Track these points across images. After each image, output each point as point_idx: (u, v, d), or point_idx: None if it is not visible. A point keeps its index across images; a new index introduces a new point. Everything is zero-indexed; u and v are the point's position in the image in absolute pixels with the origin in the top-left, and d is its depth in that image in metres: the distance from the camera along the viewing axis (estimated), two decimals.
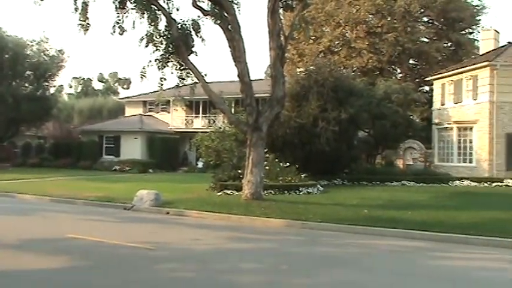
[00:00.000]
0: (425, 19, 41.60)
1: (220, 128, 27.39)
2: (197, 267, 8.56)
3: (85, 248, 10.14)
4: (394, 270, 8.71)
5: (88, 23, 17.82)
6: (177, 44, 18.51)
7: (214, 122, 32.33)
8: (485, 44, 33.13)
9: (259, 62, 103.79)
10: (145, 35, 18.49)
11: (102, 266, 8.64)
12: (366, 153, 32.32)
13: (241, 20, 23.69)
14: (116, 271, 8.26)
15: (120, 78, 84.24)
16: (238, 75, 18.45)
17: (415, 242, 11.36)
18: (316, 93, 26.20)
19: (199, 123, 40.52)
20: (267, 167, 20.99)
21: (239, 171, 20.96)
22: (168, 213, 15.86)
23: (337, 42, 41.39)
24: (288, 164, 22.96)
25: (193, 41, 19.18)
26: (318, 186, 22.47)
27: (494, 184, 25.62)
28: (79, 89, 79.80)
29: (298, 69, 35.62)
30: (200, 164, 36.88)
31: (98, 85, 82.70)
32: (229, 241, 11.44)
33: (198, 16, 19.22)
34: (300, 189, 21.06)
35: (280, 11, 20.24)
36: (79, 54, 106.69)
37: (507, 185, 25.27)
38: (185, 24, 19.11)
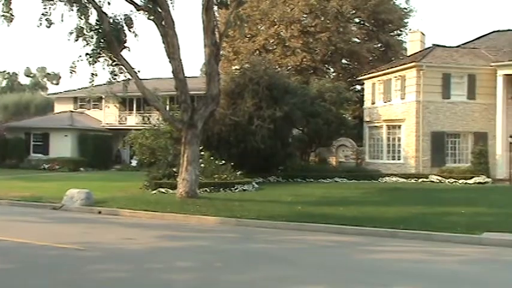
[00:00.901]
0: (357, 20, 42.78)
1: (154, 125, 26.94)
2: (130, 267, 8.37)
3: (8, 250, 9.65)
4: (326, 264, 8.90)
5: (12, 14, 16.97)
6: (109, 38, 17.98)
7: (148, 119, 31.64)
8: (412, 46, 34.61)
9: (194, 59, 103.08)
10: (75, 28, 17.81)
11: (27, 268, 8.24)
12: (300, 151, 32.86)
13: (176, 16, 23.57)
14: (43, 273, 7.91)
15: (49, 73, 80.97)
16: (173, 72, 18.23)
17: (346, 237, 11.66)
18: (251, 91, 26.36)
19: (133, 120, 39.65)
20: (202, 165, 20.90)
21: (174, 169, 20.74)
22: (100, 212, 15.42)
23: (272, 40, 41.76)
24: (223, 161, 22.96)
25: (125, 36, 18.69)
26: (253, 183, 22.63)
27: (420, 180, 26.82)
28: (4, 83, 75.93)
29: (233, 67, 35.70)
30: (134, 162, 36.19)
31: (24, 80, 79.15)
32: (163, 240, 11.27)
33: (131, 11, 18.76)
34: (235, 187, 21.14)
35: (215, 8, 20.14)
36: (3, 47, 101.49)
37: (432, 181, 26.53)
38: (117, 19, 18.58)
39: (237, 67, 31.80)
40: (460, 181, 26.08)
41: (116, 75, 19.03)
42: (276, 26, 40.14)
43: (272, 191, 21.13)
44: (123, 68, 18.63)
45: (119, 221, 14.16)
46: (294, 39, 39.31)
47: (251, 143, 25.24)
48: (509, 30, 33.62)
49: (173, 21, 18.01)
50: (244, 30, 26.00)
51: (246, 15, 30.48)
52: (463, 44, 33.12)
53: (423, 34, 35.23)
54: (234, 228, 12.92)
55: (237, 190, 20.96)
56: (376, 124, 31.15)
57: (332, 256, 9.79)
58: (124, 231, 12.43)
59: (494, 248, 10.31)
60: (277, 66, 34.62)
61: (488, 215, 14.11)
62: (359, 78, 35.10)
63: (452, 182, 26.11)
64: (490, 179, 26.46)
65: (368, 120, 32.08)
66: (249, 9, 38.47)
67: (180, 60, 18.15)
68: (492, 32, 33.96)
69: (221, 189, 20.54)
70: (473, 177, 26.15)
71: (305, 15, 40.44)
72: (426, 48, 32.69)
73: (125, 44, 18.74)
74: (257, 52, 40.08)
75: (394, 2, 42.28)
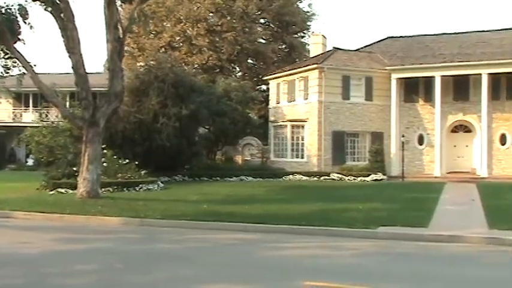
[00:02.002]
0: (262, 21, 43.53)
1: (53, 122, 25.64)
2: (25, 272, 7.90)
3: None
4: (229, 262, 8.97)
5: None
6: (1, 29, 16.84)
7: (46, 116, 30.08)
8: (314, 48, 35.79)
9: (97, 54, 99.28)
10: None
11: None
12: (207, 150, 32.85)
13: (77, 9, 22.44)
14: None
15: None
16: (73, 67, 17.51)
17: (251, 234, 11.83)
18: (157, 88, 25.95)
19: (29, 117, 37.40)
20: (104, 164, 20.27)
21: (74, 168, 19.91)
22: None
23: (178, 38, 41.35)
24: (127, 160, 22.42)
25: (19, 28, 17.63)
26: (159, 182, 22.31)
27: (322, 178, 27.86)
28: None
29: (138, 64, 34.91)
30: (30, 162, 34.27)
31: None
32: (61, 242, 10.75)
33: (26, 1, 17.71)
34: (140, 186, 20.72)
35: (118, 2, 19.57)
36: None
37: (333, 179, 27.66)
38: (10, 9, 17.47)
39: (142, 64, 31.15)
40: (359, 178, 27.42)
41: (8, 68, 17.96)
42: (182, 24, 39.80)
43: (178, 190, 20.93)
44: (17, 61, 17.56)
45: (13, 224, 13.33)
46: (200, 38, 39.20)
47: (156, 141, 24.84)
48: (401, 36, 35.86)
49: (73, 14, 17.27)
50: (149, 26, 25.57)
51: (151, 12, 29.95)
52: (360, 48, 34.82)
53: (325, 37, 36.56)
54: (137, 229, 12.63)
55: (141, 189, 20.54)
56: (280, 123, 31.88)
57: (236, 254, 9.88)
58: (18, 234, 11.71)
59: (387, 242, 10.94)
60: (183, 64, 34.33)
61: (383, 210, 14.94)
62: (264, 78, 35.76)
63: (352, 180, 27.38)
64: (385, 176, 28.07)
65: (273, 119, 32.76)
66: (154, 5, 37.78)
67: (81, 55, 17.46)
68: (387, 38, 36.04)
69: (125, 188, 20.02)
70: (371, 174, 27.60)
71: (211, 14, 40.48)
72: (327, 51, 33.97)
73: (19, 36, 17.67)
74: (163, 49, 39.52)
75: (298, 5, 43.53)
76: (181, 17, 39.74)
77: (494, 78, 28.79)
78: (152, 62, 28.39)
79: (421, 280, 7.76)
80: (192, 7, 39.49)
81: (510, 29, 33.55)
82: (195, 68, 37.98)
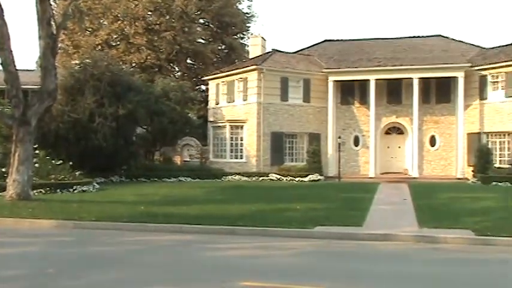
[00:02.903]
0: (201, 21, 43.34)
1: None
2: None
3: None
4: (165, 264, 8.84)
5: None
6: None
7: None
8: (254, 49, 36.10)
9: (30, 51, 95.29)
10: None
11: None
12: (145, 150, 32.32)
13: (7, 3, 21.39)
14: None
15: None
16: (2, 64, 16.77)
17: (188, 235, 11.73)
18: (93, 87, 25.29)
19: None
20: (36, 165, 19.52)
21: (3, 169, 19.03)
22: None
23: (115, 36, 40.41)
24: (61, 161, 21.70)
25: None
26: (94, 183, 21.73)
27: (261, 178, 28.07)
28: None
29: (73, 62, 33.83)
30: None
31: None
32: None
33: None
34: (74, 188, 20.12)
35: None
36: None
37: (271, 179, 27.93)
38: None
39: (77, 62, 30.18)
40: (297, 179, 27.83)
41: None
42: (119, 22, 38.94)
43: (114, 191, 20.46)
44: None
45: None
46: (138, 36, 38.50)
47: (92, 141, 24.19)
48: (338, 40, 36.78)
49: (2, 9, 16.49)
50: (85, 23, 24.82)
51: (86, 8, 29.18)
52: (298, 51, 35.40)
53: (264, 39, 36.94)
54: (71, 232, 12.23)
55: (75, 191, 19.92)
56: (220, 124, 31.86)
57: (172, 255, 9.76)
58: None
59: (324, 241, 11.16)
60: (120, 63, 33.60)
61: (320, 210, 15.23)
62: (204, 78, 35.61)
63: (290, 180, 27.76)
64: (322, 177, 28.66)
65: (212, 120, 32.68)
66: (90, 1, 36.83)
67: (11, 51, 16.73)
68: (324, 41, 36.85)
69: (58, 190, 19.35)
70: (308, 174, 28.09)
71: (150, 13, 39.88)
72: (266, 53, 34.32)
73: None
74: (99, 47, 38.50)
75: (237, 7, 43.68)
76: (119, 15, 38.89)
77: (425, 82, 30.12)
78: (88, 60, 27.58)
79: (356, 278, 7.98)
80: (130, 5, 38.73)
81: (439, 35, 35.26)
82: (133, 67, 37.31)
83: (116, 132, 25.18)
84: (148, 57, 38.70)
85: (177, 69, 43.67)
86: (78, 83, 25.79)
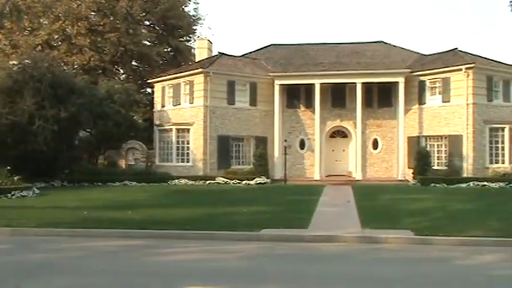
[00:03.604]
0: (147, 23, 42.75)
1: None
2: None
3: None
4: (110, 270, 8.68)
5: None
6: None
7: None
8: (200, 52, 35.97)
9: None
10: None
11: None
12: (88, 154, 31.54)
13: None
14: None
15: None
16: None
17: (134, 240, 11.54)
18: (32, 89, 24.47)
19: None
20: None
21: None
22: None
23: (56, 36, 39.19)
24: None
25: None
26: (34, 189, 21.02)
27: (208, 182, 27.93)
28: None
29: (11, 62, 32.53)
30: None
31: None
32: None
33: None
34: (12, 193, 19.41)
35: None
36: None
37: (218, 183, 27.87)
38: None
39: (15, 62, 29.04)
40: (244, 182, 27.90)
41: None
42: (61, 22, 37.79)
43: (56, 197, 19.84)
44: None
45: None
46: (80, 37, 37.49)
47: (32, 145, 23.39)
48: (284, 44, 37.22)
49: None
50: (23, 22, 23.93)
51: (25, 6, 28.14)
52: (245, 54, 35.58)
53: (210, 42, 36.88)
54: (9, 239, 11.77)
55: (14, 196, 19.20)
56: (166, 127, 31.50)
57: (118, 261, 9.58)
58: None
59: (270, 243, 11.28)
60: (62, 64, 32.64)
61: (266, 212, 15.37)
62: (149, 81, 35.10)
63: (237, 183, 27.79)
64: (269, 180, 28.86)
65: (158, 123, 32.27)
66: (30, 0, 35.55)
67: None
68: (270, 45, 37.21)
69: None
70: (255, 178, 28.22)
71: (93, 13, 38.96)
72: (213, 56, 34.27)
73: None
74: (39, 47, 37.24)
75: (184, 9, 43.40)
76: (60, 15, 37.74)
77: (368, 87, 30.98)
78: (27, 61, 26.63)
79: (300, 279, 8.11)
80: (72, 5, 37.70)
81: (381, 41, 36.37)
82: (75, 69, 36.33)
83: (57, 135, 24.43)
84: (92, 58, 37.75)
85: (121, 71, 42.85)
86: (17, 84, 24.88)
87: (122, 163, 31.52)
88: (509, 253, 10.19)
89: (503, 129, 28.64)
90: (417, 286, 7.84)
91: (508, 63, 32.19)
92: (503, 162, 28.46)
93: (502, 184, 25.11)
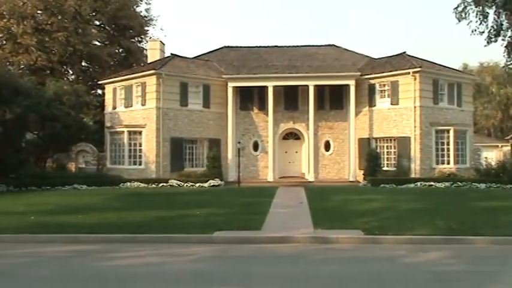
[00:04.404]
0: (97, 23, 41.89)
1: None
2: None
3: None
4: (58, 276, 8.48)
5: None
6: None
7: None
8: (152, 54, 35.52)
9: None
10: None
11: None
12: (36, 157, 30.55)
13: None
14: None
15: None
16: None
17: (85, 245, 11.29)
18: None
19: None
20: None
21: None
22: None
23: (0, 35, 37.81)
24: None
25: None
26: None
27: (161, 184, 27.61)
28: None
29: None
30: None
31: None
32: None
33: None
34: None
35: None
36: None
37: (171, 185, 27.59)
38: None
39: None
40: (197, 184, 27.75)
41: None
42: (5, 20, 36.47)
43: (1, 202, 19.11)
44: None
45: None
46: (27, 36, 36.26)
47: None
48: (237, 46, 37.32)
49: None
50: None
51: None
52: (198, 56, 35.43)
53: (163, 43, 36.51)
54: None
55: None
56: (117, 129, 30.93)
57: (66, 267, 9.34)
58: None
59: (224, 245, 11.28)
60: (7, 64, 31.50)
61: (220, 215, 15.36)
62: (100, 82, 34.38)
63: (190, 186, 27.60)
64: (222, 182, 28.81)
65: (109, 125, 31.65)
66: None
67: None
68: (223, 47, 37.22)
69: None
70: (209, 180, 28.10)
71: (40, 12, 37.81)
72: (166, 57, 33.93)
73: None
74: None
75: (135, 9, 42.78)
76: (5, 12, 36.43)
77: (320, 89, 31.47)
78: None
79: (253, 281, 8.17)
80: (17, 2, 36.47)
81: (332, 45, 37.04)
82: (22, 69, 35.18)
83: (2, 138, 23.58)
84: (39, 58, 36.61)
85: (71, 72, 41.78)
86: None
87: (72, 166, 30.72)
88: (453, 250, 10.59)
89: (448, 131, 29.70)
90: (366, 284, 8.04)
91: (452, 67, 33.51)
92: (448, 163, 29.52)
93: (447, 184, 26.01)
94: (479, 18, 14.09)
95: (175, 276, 8.46)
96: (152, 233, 12.11)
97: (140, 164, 29.91)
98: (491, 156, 36.98)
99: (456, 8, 14.38)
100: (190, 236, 11.86)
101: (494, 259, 9.96)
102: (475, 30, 14.32)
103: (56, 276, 8.48)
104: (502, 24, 14.05)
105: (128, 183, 27.58)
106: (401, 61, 31.05)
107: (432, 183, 26.22)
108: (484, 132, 61.14)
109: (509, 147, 40.44)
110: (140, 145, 30.01)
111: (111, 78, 32.80)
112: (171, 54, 33.62)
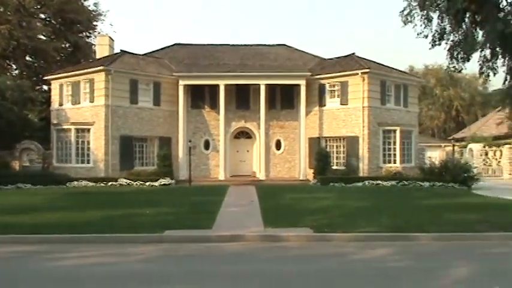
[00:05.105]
0: (42, 16, 40.53)
1: None
2: None
3: None
4: (4, 277, 8.16)
5: None
6: None
7: None
8: (101, 49, 34.69)
9: None
10: None
11: None
12: None
13: None
14: None
15: None
16: None
17: (29, 246, 10.91)
18: None
19: None
20: None
21: None
22: None
23: None
24: None
25: None
26: None
27: (109, 183, 27.05)
28: None
29: None
30: None
31: None
32: None
33: None
34: None
35: None
36: None
37: (121, 184, 27.09)
38: None
39: None
40: (147, 183, 27.35)
41: None
42: None
43: None
44: None
45: None
46: None
47: None
48: (188, 44, 37.03)
49: None
50: None
51: None
52: (148, 53, 34.90)
53: (112, 39, 35.76)
54: None
55: None
56: (64, 127, 30.02)
57: (6, 269, 9.01)
58: None
59: (174, 245, 11.18)
60: None
61: (170, 214, 15.21)
62: (46, 78, 33.24)
63: (140, 185, 27.18)
64: (173, 181, 28.54)
65: (56, 122, 30.68)
66: None
67: None
68: (174, 45, 36.85)
69: None
70: (159, 179, 27.77)
71: None
72: (115, 54, 33.25)
73: None
74: None
75: (83, 3, 41.67)
76: None
77: (271, 89, 31.68)
78: None
79: (202, 279, 8.15)
80: None
81: (284, 45, 37.39)
82: None
83: None
84: None
85: (14, 66, 40.26)
86: None
87: (16, 165, 29.60)
88: (398, 247, 10.92)
89: (395, 131, 30.55)
90: (314, 281, 8.17)
91: (399, 69, 34.52)
92: (394, 162, 30.37)
93: (393, 182, 26.76)
94: (424, 22, 14.54)
95: (124, 276, 8.32)
96: (99, 232, 11.85)
97: (88, 163, 29.19)
98: (435, 155, 38.33)
99: (402, 11, 14.79)
100: (139, 235, 11.69)
101: (436, 255, 10.34)
102: (420, 33, 14.74)
103: (1, 277, 8.18)
104: (445, 28, 14.55)
105: (76, 182, 26.87)
106: (350, 62, 31.68)
107: (379, 181, 26.90)
108: (428, 132, 63.35)
109: (451, 147, 42.05)
110: (88, 143, 29.28)
111: (57, 73, 31.77)
112: (121, 50, 32.96)
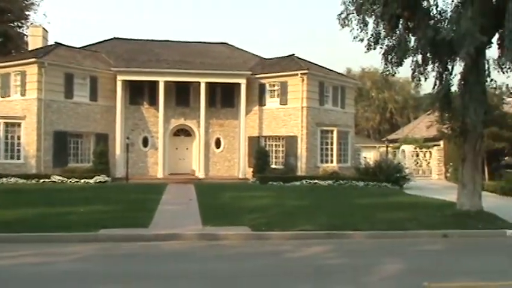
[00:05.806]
0: None
1: None
2: None
3: None
4: None
5: None
6: None
7: None
8: (34, 41, 33.22)
9: None
10: None
11: None
12: None
13: None
14: None
15: None
16: None
17: None
18: None
19: None
20: None
21: None
22: None
23: None
24: None
25: None
26: None
27: (42, 180, 26.01)
28: None
29: None
30: None
31: None
32: None
33: None
34: None
35: None
36: None
37: (54, 181, 26.11)
38: None
39: None
40: (82, 180, 26.52)
41: None
42: None
43: None
44: None
45: None
46: None
47: None
48: (127, 39, 36.21)
49: None
50: None
51: None
52: (85, 47, 33.80)
53: (46, 30, 34.38)
54: None
55: None
56: None
57: None
58: None
59: (109, 244, 10.95)
60: None
61: (106, 212, 14.85)
62: None
63: (75, 182, 26.32)
64: (110, 178, 27.80)
65: None
66: None
67: None
68: (112, 39, 35.93)
69: None
70: (95, 176, 26.99)
71: None
72: (49, 46, 31.99)
73: None
74: None
75: None
76: None
77: (211, 87, 31.57)
78: None
79: (137, 279, 8.04)
80: None
81: (225, 43, 37.39)
82: None
83: None
84: None
85: None
86: None
87: None
88: (333, 245, 11.21)
89: (332, 131, 31.26)
90: (248, 279, 8.24)
91: (337, 71, 35.35)
92: (331, 162, 31.08)
93: (330, 182, 27.37)
94: (360, 26, 14.93)
95: (56, 277, 8.06)
96: (31, 231, 11.42)
97: (19, 159, 27.94)
98: (370, 156, 39.60)
99: (340, 15, 15.13)
100: (74, 234, 11.37)
101: (369, 252, 10.71)
102: (357, 37, 15.13)
103: None
104: (380, 33, 15.01)
105: (4, 179, 25.64)
106: (290, 63, 32.11)
107: (317, 181, 27.43)
108: (364, 133, 65.26)
109: (385, 148, 43.52)
110: (19, 138, 28.01)
111: None
112: (55, 42, 31.75)
